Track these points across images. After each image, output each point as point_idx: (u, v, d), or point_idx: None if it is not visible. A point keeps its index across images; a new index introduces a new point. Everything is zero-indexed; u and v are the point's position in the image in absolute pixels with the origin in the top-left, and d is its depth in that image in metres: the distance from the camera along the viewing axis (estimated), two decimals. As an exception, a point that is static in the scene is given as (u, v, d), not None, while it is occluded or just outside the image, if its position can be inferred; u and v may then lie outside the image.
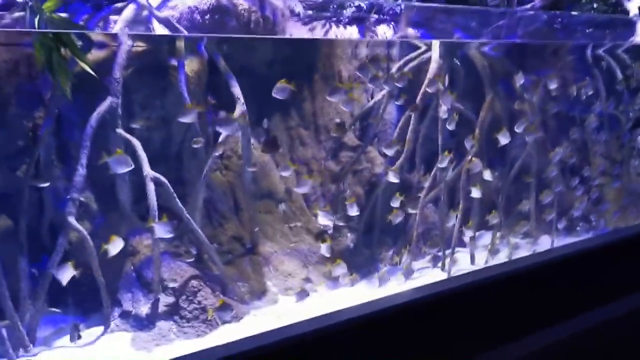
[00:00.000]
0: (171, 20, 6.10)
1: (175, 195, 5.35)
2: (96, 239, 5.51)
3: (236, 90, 5.85)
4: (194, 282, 5.37)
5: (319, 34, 7.74)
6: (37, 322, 4.97)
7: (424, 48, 7.07)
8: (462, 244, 7.39)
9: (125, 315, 5.27)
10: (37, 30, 5.35)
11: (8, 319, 4.75)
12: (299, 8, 7.82)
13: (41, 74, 5.52)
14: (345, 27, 7.99)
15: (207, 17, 6.42)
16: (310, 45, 7.28)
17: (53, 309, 5.39)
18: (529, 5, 8.98)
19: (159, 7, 6.31)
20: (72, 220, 5.02)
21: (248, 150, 6.00)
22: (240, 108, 5.84)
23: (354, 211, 6.36)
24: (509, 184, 7.54)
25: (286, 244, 6.46)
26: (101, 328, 5.23)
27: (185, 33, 5.77)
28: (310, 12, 8.11)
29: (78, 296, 5.40)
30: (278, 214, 6.70)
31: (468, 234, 7.07)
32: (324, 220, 6.07)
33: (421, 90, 6.77)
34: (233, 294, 5.69)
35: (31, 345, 4.83)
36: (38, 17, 4.30)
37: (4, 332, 4.69)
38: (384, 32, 8.05)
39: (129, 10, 5.70)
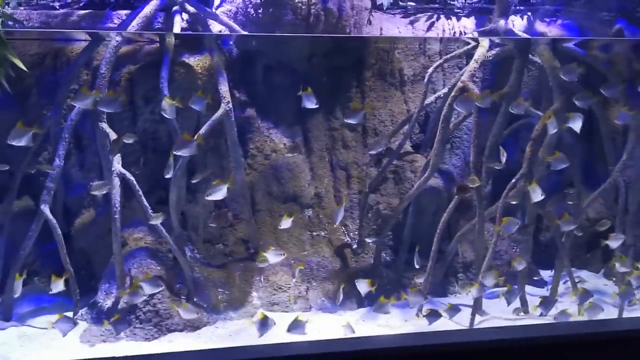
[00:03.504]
0: (218, 17, 5.70)
1: (141, 192, 4.94)
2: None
3: (223, 88, 5.17)
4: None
5: (422, 27, 6.65)
6: (10, 300, 5.01)
7: (472, 44, 5.55)
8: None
9: (93, 305, 5.08)
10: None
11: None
12: (385, 0, 6.78)
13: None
14: (458, 19, 6.74)
15: (261, 10, 5.86)
16: (363, 39, 6.22)
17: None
18: None
19: (220, 3, 5.96)
20: (44, 208, 4.93)
21: (235, 151, 5.30)
22: (224, 107, 5.16)
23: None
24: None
25: (294, 254, 5.66)
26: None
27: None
28: (412, 3, 7.04)
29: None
30: (301, 219, 5.90)
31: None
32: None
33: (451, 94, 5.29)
34: (204, 300, 5.14)
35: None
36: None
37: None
38: (514, 23, 6.61)
39: (150, 6, 5.42)
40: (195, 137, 4.83)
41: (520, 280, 5.26)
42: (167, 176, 4.84)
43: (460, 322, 5.02)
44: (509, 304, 4.97)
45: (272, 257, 4.72)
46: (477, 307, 5.05)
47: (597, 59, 5.57)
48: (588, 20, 6.77)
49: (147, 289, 4.64)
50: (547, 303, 5.01)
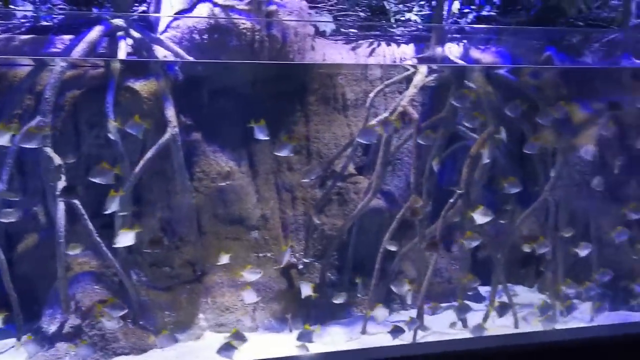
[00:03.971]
0: (163, 42, 5.77)
1: (86, 216, 4.93)
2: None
3: (169, 112, 5.25)
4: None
5: (363, 52, 6.86)
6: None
7: (410, 71, 5.83)
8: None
9: (36, 331, 5.00)
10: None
11: None
12: (328, 27, 7.00)
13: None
14: (398, 46, 6.99)
15: (206, 36, 5.95)
16: (306, 65, 6.41)
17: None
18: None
19: (165, 29, 6.02)
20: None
21: (182, 174, 5.37)
22: (171, 131, 5.23)
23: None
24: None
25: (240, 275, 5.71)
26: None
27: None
28: (354, 30, 7.27)
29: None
30: (248, 241, 5.98)
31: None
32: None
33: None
34: (150, 323, 5.13)
35: None
36: None
37: None
38: (452, 51, 6.89)
39: (95, 32, 5.46)
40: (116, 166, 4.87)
41: (459, 295, 5.49)
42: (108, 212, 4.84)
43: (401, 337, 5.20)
44: (459, 318, 5.20)
45: (249, 275, 4.82)
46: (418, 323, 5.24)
47: (527, 84, 5.92)
48: (519, 47, 7.17)
49: (113, 313, 4.65)
50: (503, 309, 5.31)
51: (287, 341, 5.15)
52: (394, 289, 5.18)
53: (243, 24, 5.92)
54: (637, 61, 6.85)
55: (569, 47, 7.12)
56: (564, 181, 5.82)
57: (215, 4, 5.90)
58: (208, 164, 5.93)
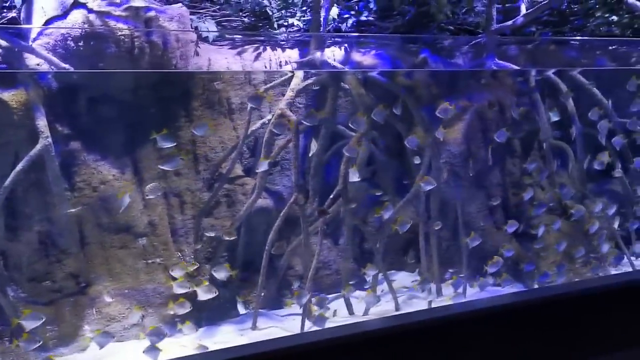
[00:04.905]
0: (34, 50, 5.44)
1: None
2: None
3: (41, 122, 4.99)
4: (-28, 328, 4.59)
5: (249, 57, 6.81)
6: None
7: (288, 75, 5.93)
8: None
9: None
10: None
11: None
12: (211, 33, 6.91)
13: None
14: (283, 51, 7.00)
15: (82, 43, 5.67)
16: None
17: None
18: (509, 22, 7.64)
19: (38, 35, 5.67)
20: None
21: (58, 185, 5.13)
22: (43, 142, 4.98)
23: None
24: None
25: (128, 283, 5.54)
26: None
27: None
28: (239, 36, 7.21)
29: None
30: (135, 249, 5.79)
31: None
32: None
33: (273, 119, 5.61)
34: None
35: None
36: None
37: None
38: (333, 54, 6.97)
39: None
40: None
41: (344, 285, 5.63)
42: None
43: (288, 328, 5.27)
44: (369, 306, 5.36)
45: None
46: (306, 313, 5.31)
47: (398, 85, 6.17)
48: (397, 50, 7.46)
49: (29, 325, 4.35)
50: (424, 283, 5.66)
51: (178, 344, 5.05)
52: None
53: (120, 30, 5.74)
54: (500, 62, 7.33)
55: (442, 50, 7.49)
56: (434, 172, 6.13)
57: (90, 10, 5.67)
58: (89, 173, 5.69)
